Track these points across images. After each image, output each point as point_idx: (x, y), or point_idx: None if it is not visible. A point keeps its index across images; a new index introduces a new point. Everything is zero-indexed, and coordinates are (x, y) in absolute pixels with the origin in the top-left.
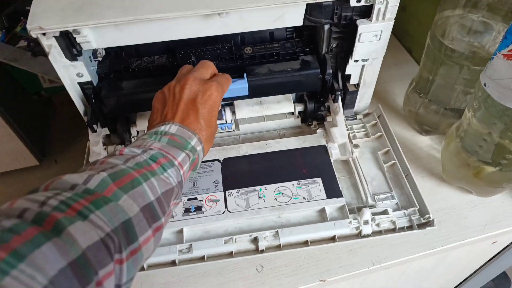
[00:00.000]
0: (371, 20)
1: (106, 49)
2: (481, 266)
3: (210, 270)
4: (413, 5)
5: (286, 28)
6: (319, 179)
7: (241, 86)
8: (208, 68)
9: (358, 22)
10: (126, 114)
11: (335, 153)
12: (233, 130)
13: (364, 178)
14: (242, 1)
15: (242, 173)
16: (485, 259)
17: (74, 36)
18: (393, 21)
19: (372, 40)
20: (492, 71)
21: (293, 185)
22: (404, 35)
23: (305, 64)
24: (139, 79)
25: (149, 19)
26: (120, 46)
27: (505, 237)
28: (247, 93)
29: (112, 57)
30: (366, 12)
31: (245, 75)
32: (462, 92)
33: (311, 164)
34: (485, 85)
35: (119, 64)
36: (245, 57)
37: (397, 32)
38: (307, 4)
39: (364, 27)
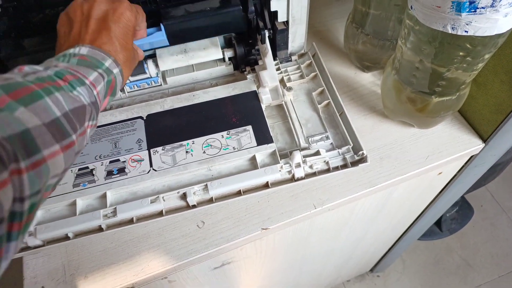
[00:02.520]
0: None
1: (2, 5)
2: (434, 198)
3: (149, 231)
4: None
5: None
6: (249, 127)
7: (159, 38)
8: None
9: None
10: None
11: (265, 98)
12: (160, 84)
13: (298, 121)
14: None
15: (167, 129)
16: (436, 191)
17: None
18: None
19: None
20: None
21: (222, 136)
22: None
23: (225, 2)
24: (42, 34)
25: None
26: None
27: (449, 166)
28: (167, 43)
29: (11, 13)
30: None
31: (161, 26)
32: (397, 20)
33: (241, 112)
34: (411, 8)
35: (18, 20)
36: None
37: None
38: None
39: None
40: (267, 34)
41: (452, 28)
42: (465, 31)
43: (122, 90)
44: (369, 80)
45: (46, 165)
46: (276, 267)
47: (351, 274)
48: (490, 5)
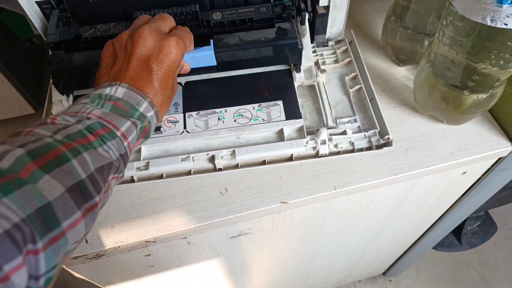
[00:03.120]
0: None
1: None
2: (456, 200)
3: (175, 192)
4: None
5: None
6: (280, 102)
7: (206, 52)
8: (166, 20)
9: None
10: (79, 88)
11: (299, 77)
12: None
13: (328, 103)
14: None
15: (203, 96)
16: (459, 192)
17: None
18: None
19: None
20: None
21: (253, 107)
22: None
23: (282, 33)
24: (92, 50)
25: None
26: (72, 11)
27: (474, 167)
28: (214, 62)
29: (63, 24)
30: None
31: (211, 41)
32: (437, 16)
33: (273, 88)
34: None
35: (70, 33)
36: (213, 24)
37: None
38: None
39: None
40: (307, 16)
41: (492, 20)
42: (505, 24)
43: None
44: (403, 74)
45: (65, 238)
46: (290, 248)
47: (363, 275)
48: None
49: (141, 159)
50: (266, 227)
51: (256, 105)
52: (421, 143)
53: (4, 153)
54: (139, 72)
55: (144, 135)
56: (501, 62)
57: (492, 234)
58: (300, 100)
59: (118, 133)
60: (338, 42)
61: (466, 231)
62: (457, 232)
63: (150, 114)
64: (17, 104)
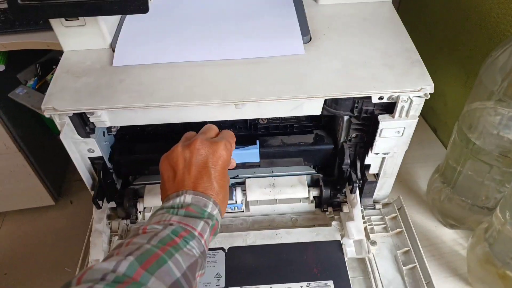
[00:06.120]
0: (393, 117)
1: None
2: None
3: None
4: (440, 82)
5: None
6: (330, 282)
7: (252, 151)
8: (212, 130)
9: (379, 117)
10: (137, 174)
11: (350, 251)
12: (243, 211)
13: (381, 281)
14: (260, 93)
15: (247, 267)
16: None
17: (88, 116)
18: (418, 118)
19: (394, 136)
20: None
21: (301, 287)
22: (429, 112)
23: (319, 139)
24: (153, 142)
25: (164, 106)
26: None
27: None
28: (258, 159)
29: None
30: (389, 107)
31: (257, 141)
32: (494, 190)
33: (323, 263)
34: None
35: (135, 126)
36: (259, 127)
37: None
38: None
39: (386, 123)
40: (358, 187)
41: None
42: None
43: None
44: (451, 237)
45: None
46: None
47: None
48: None
49: None
50: None
51: (304, 285)
52: None
53: (118, 263)
54: (199, 178)
55: (214, 232)
56: None
57: None
58: (349, 274)
59: (196, 233)
60: (385, 205)
61: None
62: None
63: (215, 212)
64: (38, 196)
